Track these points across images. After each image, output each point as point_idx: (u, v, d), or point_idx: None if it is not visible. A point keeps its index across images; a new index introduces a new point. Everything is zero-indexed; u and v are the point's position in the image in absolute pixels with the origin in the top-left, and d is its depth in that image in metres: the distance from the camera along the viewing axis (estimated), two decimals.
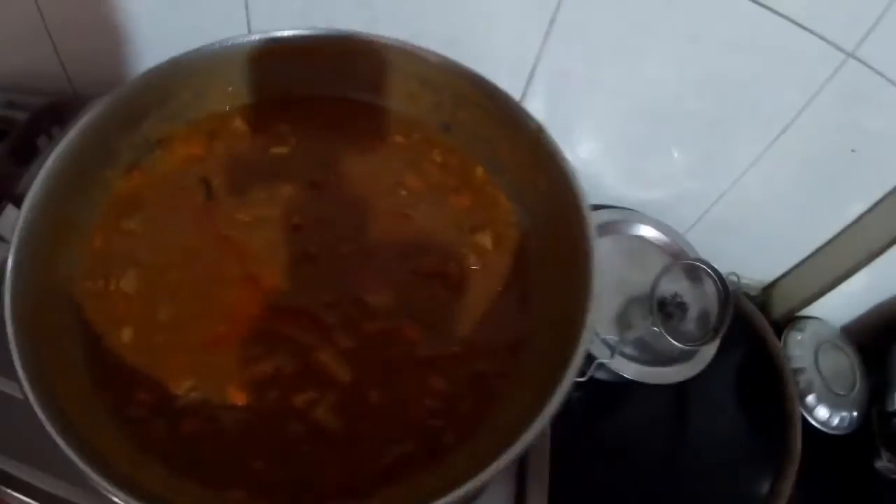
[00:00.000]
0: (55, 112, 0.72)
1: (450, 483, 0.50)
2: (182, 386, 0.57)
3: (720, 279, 0.81)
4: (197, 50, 0.66)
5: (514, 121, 0.66)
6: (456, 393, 0.60)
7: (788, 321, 0.94)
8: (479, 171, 0.71)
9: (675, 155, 0.86)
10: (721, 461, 0.83)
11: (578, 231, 0.60)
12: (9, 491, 0.64)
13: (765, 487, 0.76)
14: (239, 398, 0.57)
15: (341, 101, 0.73)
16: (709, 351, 0.83)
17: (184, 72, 0.67)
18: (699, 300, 0.85)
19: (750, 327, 0.89)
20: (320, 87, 0.72)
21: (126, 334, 0.59)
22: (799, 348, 0.86)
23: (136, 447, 0.56)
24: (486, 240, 0.66)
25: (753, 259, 0.95)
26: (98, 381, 0.57)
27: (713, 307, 0.85)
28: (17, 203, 0.58)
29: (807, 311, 0.93)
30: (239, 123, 0.70)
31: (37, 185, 0.58)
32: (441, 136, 0.72)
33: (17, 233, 0.55)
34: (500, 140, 0.69)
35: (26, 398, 0.49)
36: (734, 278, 0.88)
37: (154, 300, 0.61)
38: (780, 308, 0.97)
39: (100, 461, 0.49)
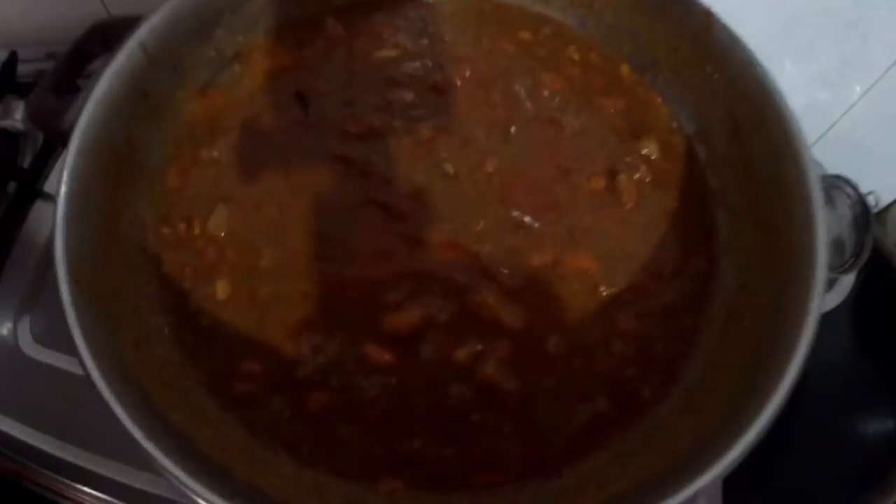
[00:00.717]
0: (103, 35, 0.52)
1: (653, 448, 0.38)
2: (302, 348, 0.38)
3: (859, 199, 0.60)
4: None
5: (668, 6, 0.46)
6: (648, 334, 0.41)
7: None
8: (625, 69, 0.51)
9: (808, 61, 0.66)
10: (847, 395, 0.64)
11: (781, 134, 0.41)
12: (87, 490, 0.46)
13: (890, 424, 0.62)
14: (381, 357, 0.39)
15: None
16: (847, 281, 0.63)
17: None
18: (832, 224, 0.64)
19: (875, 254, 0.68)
20: None
21: (221, 288, 0.42)
22: None
23: (248, 434, 0.40)
24: (651, 146, 0.48)
25: (876, 178, 0.74)
26: (189, 352, 0.41)
27: (847, 231, 0.63)
28: (66, 141, 0.39)
29: None
30: (333, 26, 0.50)
31: (87, 115, 0.42)
32: (575, 31, 0.52)
33: (66, 177, 0.37)
34: (649, 31, 0.51)
35: (90, 378, 0.30)
36: (872, 200, 0.67)
37: (252, 242, 0.43)
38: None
39: (197, 458, 0.31)
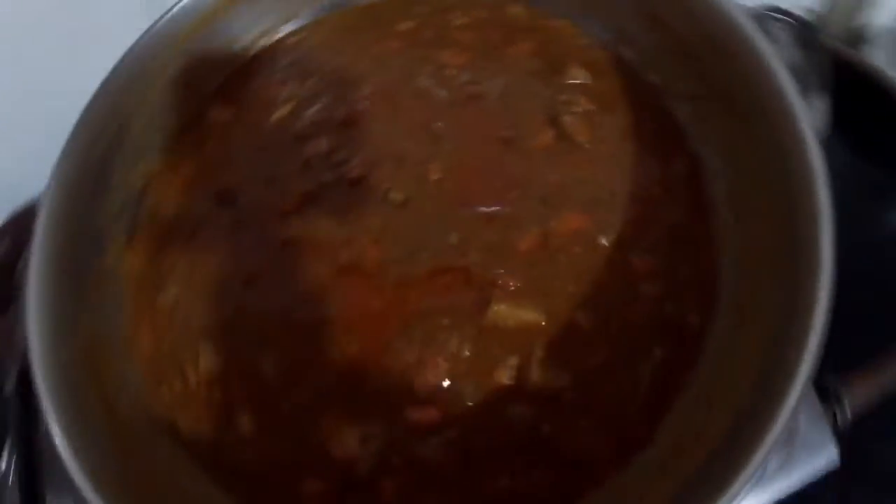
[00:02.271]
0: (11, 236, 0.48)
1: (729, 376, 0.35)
2: (349, 445, 0.35)
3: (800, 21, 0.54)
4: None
5: None
6: (667, 262, 0.37)
7: None
8: (516, 8, 0.46)
9: None
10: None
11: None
12: None
13: None
14: (428, 416, 0.35)
15: None
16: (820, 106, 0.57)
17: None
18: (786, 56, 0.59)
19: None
20: None
21: (247, 423, 0.36)
22: None
23: None
24: (578, 72, 0.43)
25: None
26: (248, 498, 0.34)
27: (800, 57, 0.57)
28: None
29: None
30: (218, 113, 0.45)
31: (35, 331, 0.39)
32: None
33: (49, 411, 0.37)
34: None
35: None
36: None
37: (250, 361, 0.37)
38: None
39: None
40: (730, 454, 0.32)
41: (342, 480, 0.38)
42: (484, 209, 0.42)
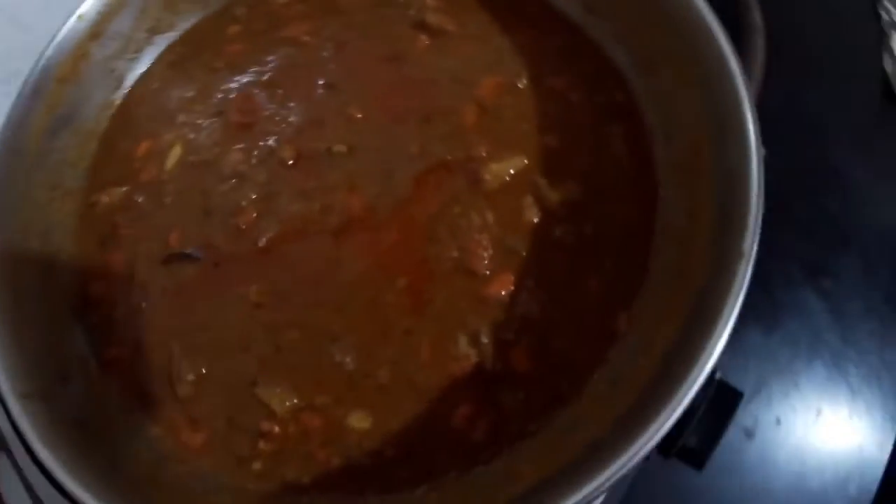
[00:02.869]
0: None
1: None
2: (463, 350, 0.37)
3: None
4: None
5: None
6: (573, 69, 0.43)
7: None
8: None
9: None
10: None
11: None
12: None
13: None
14: (502, 284, 0.38)
15: None
16: None
17: None
18: None
19: None
20: None
21: (359, 419, 0.37)
22: None
23: None
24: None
25: None
26: None
27: None
28: None
29: None
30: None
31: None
32: None
33: None
34: None
35: None
36: None
37: (322, 364, 0.37)
38: None
39: None
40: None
41: (483, 383, 0.38)
42: (415, 115, 0.44)
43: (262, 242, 0.42)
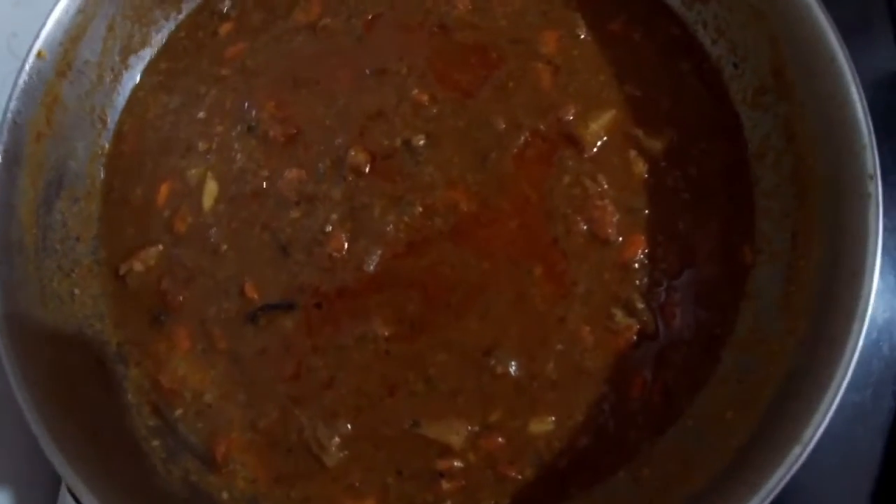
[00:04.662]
0: None
1: None
2: None
3: None
4: None
5: None
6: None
7: None
8: None
9: None
10: None
11: None
12: None
13: None
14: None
15: None
16: None
17: None
18: None
19: None
20: None
21: None
22: None
23: None
24: None
25: None
26: None
27: None
28: None
29: None
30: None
31: None
32: None
33: None
34: None
35: None
36: None
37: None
38: None
39: None
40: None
41: (650, 348, 0.35)
42: (487, 85, 0.39)
43: (371, 267, 0.36)
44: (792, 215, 0.36)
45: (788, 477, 0.28)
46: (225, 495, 0.35)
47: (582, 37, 0.41)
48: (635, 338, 0.36)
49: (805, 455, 0.28)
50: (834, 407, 0.28)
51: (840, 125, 0.34)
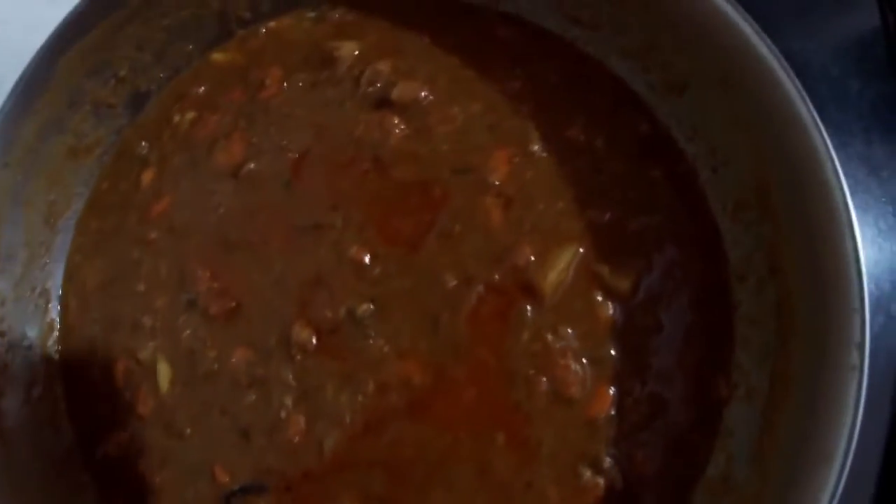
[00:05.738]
0: None
1: None
2: None
3: None
4: None
5: None
6: None
7: None
8: None
9: None
10: None
11: None
12: None
13: None
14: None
15: None
16: None
17: None
18: None
19: None
20: None
21: None
22: None
23: None
24: None
25: None
26: None
27: None
28: None
29: None
30: None
31: None
32: None
33: None
34: None
35: None
36: None
37: None
38: None
39: None
40: None
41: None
42: (431, 232, 0.35)
43: (330, 451, 0.35)
44: (773, 352, 0.33)
45: None
46: None
47: (536, 152, 0.36)
48: (603, 494, 0.35)
49: None
50: None
51: (829, 277, 0.30)
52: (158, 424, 0.37)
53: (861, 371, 0.29)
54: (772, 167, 0.31)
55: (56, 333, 0.39)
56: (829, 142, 0.29)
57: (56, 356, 0.39)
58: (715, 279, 0.35)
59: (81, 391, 0.39)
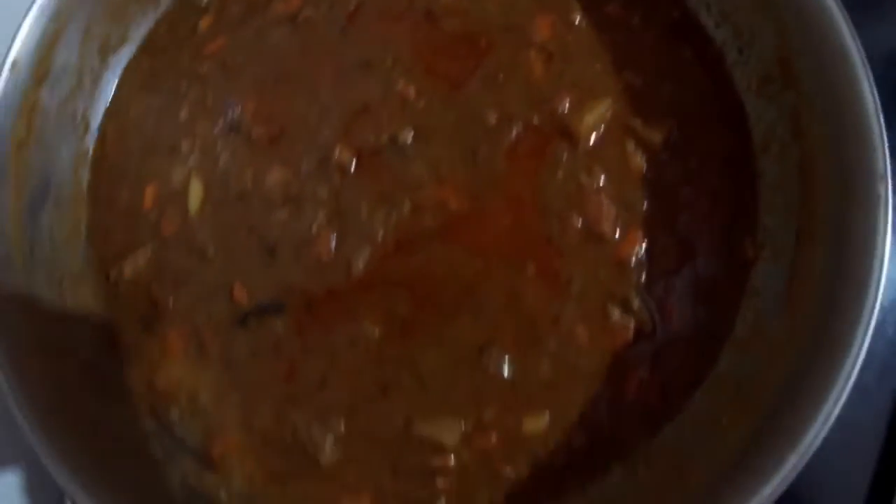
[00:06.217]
0: None
1: None
2: None
3: None
4: None
5: None
6: None
7: None
8: None
9: None
10: None
11: None
12: None
13: None
14: None
15: None
16: None
17: None
18: None
19: None
20: None
21: None
22: None
23: None
24: None
25: None
26: None
27: None
28: None
29: None
30: None
31: None
32: None
33: None
34: None
35: None
36: None
37: None
38: None
39: None
40: None
41: (646, 347, 0.34)
42: (476, 76, 0.37)
43: (359, 269, 0.35)
44: (797, 211, 0.34)
45: (786, 485, 0.27)
46: (223, 494, 0.34)
47: (577, 22, 0.39)
48: (632, 336, 0.34)
49: (802, 464, 0.26)
50: (833, 416, 0.27)
51: (850, 124, 0.32)
52: (181, 244, 0.36)
53: (886, 203, 0.30)
54: (793, 38, 0.35)
55: (88, 162, 0.39)
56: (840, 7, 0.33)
57: (86, 180, 0.38)
58: (740, 149, 0.37)
59: (102, 217, 0.38)
